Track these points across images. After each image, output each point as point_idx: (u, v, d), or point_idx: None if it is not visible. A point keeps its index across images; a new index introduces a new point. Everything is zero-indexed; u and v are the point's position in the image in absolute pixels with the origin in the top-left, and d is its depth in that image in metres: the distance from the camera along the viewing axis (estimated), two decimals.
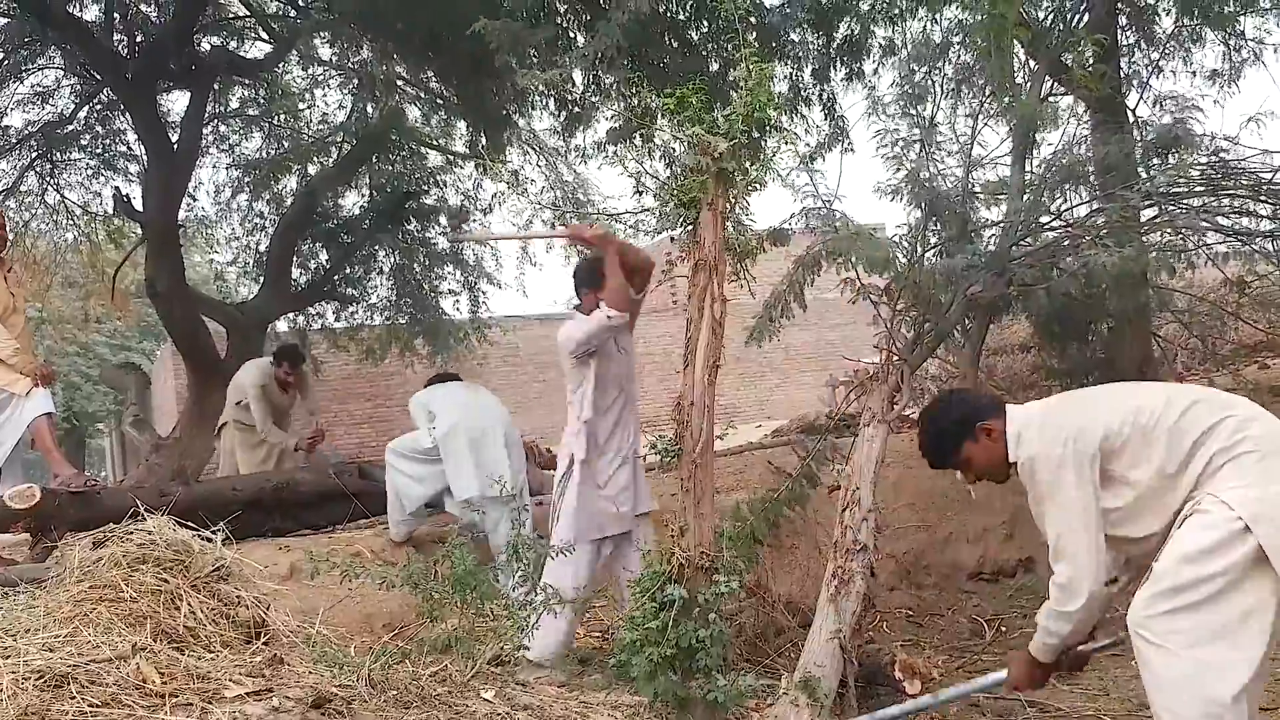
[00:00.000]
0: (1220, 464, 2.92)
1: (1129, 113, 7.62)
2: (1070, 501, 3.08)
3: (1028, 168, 6.51)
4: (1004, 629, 5.46)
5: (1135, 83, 8.04)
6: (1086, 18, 7.46)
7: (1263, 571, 2.79)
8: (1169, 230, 5.68)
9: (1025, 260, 5.53)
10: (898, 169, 6.08)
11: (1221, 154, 6.10)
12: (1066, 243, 5.58)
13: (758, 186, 4.10)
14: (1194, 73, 8.12)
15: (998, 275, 5.47)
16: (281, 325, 13.88)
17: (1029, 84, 6.76)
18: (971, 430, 3.35)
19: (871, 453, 4.64)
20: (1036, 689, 3.57)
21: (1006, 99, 5.92)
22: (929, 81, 7.19)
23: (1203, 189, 5.87)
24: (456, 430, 6.29)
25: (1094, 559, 3.08)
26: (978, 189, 6.27)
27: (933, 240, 6.06)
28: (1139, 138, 7.08)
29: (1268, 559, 2.78)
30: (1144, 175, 6.11)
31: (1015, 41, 6.29)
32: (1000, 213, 6.20)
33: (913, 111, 6.48)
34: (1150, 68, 8.17)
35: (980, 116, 6.47)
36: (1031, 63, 7.09)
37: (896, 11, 7.95)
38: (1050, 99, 7.04)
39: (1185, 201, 5.83)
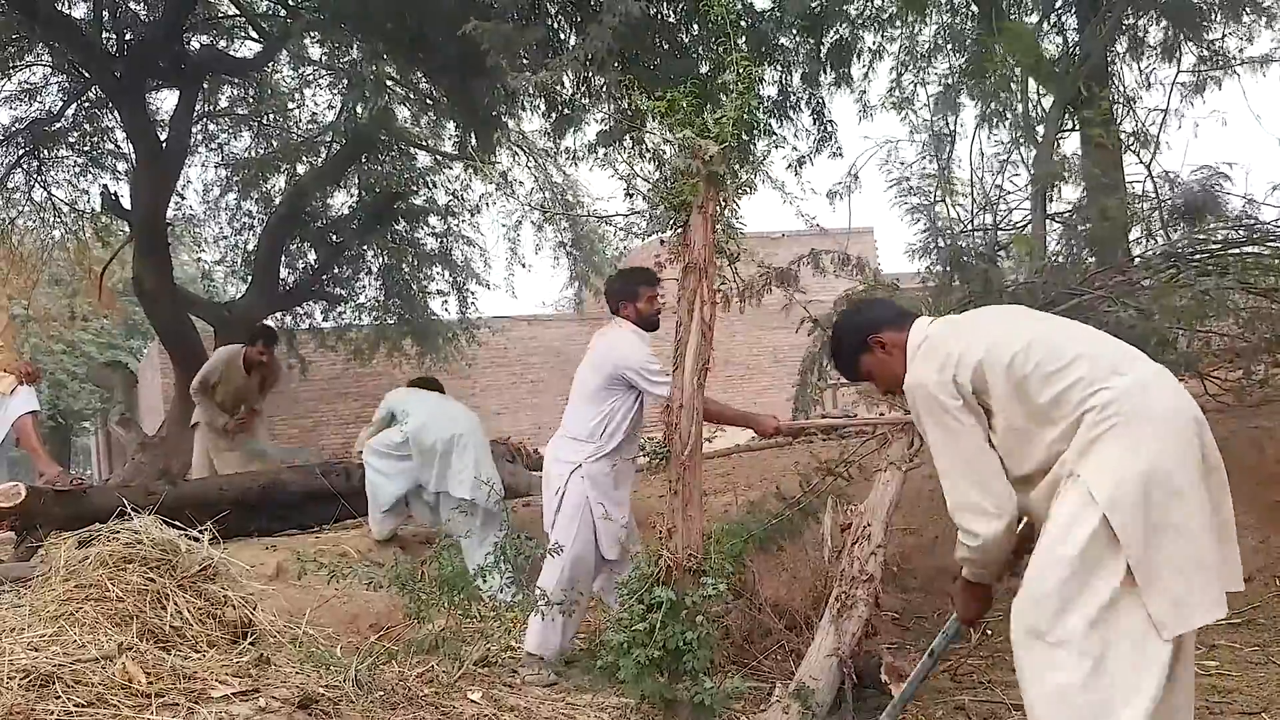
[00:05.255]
0: (1092, 434, 2.67)
1: (1138, 157, 7.65)
2: (950, 435, 2.87)
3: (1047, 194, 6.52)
4: (990, 631, 5.46)
5: (1128, 106, 8.11)
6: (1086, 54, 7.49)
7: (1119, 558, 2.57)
8: (1192, 293, 5.61)
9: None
10: (918, 220, 6.07)
11: (1245, 216, 6.15)
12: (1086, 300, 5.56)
13: (748, 190, 4.11)
14: (1181, 84, 8.18)
15: None
16: (269, 324, 13.86)
17: (1045, 123, 6.79)
18: (866, 343, 3.17)
19: (886, 496, 4.73)
20: (985, 613, 3.37)
21: (1021, 138, 5.94)
22: (947, 121, 7.21)
23: (1223, 248, 5.93)
24: (427, 429, 6.33)
25: (983, 492, 2.84)
26: (1001, 239, 6.27)
27: (956, 297, 6.04)
28: (1148, 171, 7.11)
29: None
30: (1168, 237, 6.16)
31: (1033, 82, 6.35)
32: (1022, 262, 6.21)
33: (932, 163, 6.50)
34: (1141, 82, 8.26)
35: (1000, 165, 6.48)
36: (1045, 102, 7.13)
37: (885, 17, 8.00)
38: (1063, 134, 7.07)
39: (1209, 265, 5.85)
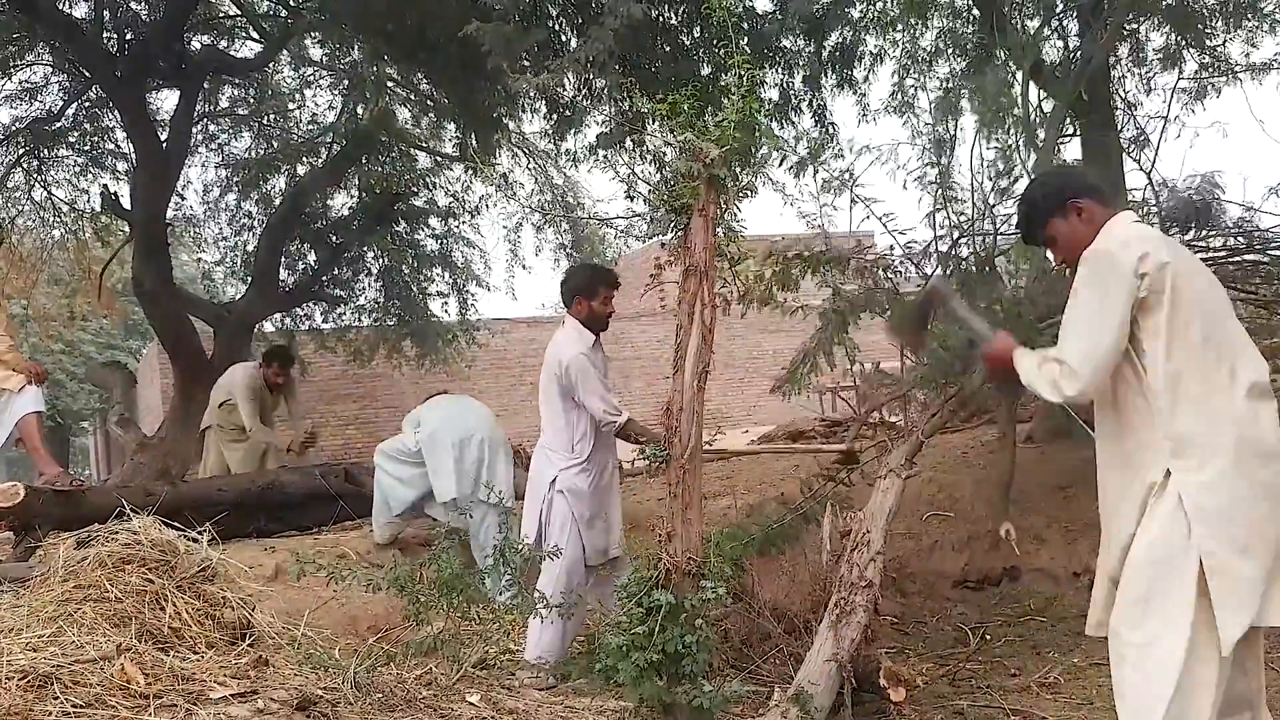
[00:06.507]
0: (1201, 439, 2.80)
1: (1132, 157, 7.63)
2: (1097, 294, 2.92)
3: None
4: (988, 637, 5.47)
5: (1128, 109, 8.11)
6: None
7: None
8: None
9: (1049, 331, 5.47)
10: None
11: (1245, 223, 6.13)
12: None
13: (749, 193, 4.11)
14: (1182, 90, 8.18)
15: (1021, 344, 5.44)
16: (268, 326, 13.86)
17: (1046, 128, 6.77)
18: (1064, 205, 3.14)
19: (885, 503, 4.76)
20: (993, 377, 3.57)
21: (1022, 142, 5.91)
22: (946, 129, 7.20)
23: (1225, 258, 5.90)
24: (439, 434, 6.31)
25: (1103, 359, 2.89)
26: (1001, 244, 6.23)
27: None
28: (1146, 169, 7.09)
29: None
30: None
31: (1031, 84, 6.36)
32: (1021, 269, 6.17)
33: (934, 163, 6.47)
34: (1141, 87, 8.26)
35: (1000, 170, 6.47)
36: (1045, 106, 7.12)
37: (888, 20, 8.00)
38: (1064, 140, 7.05)
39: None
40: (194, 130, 12.01)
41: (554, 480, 4.90)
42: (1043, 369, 3.01)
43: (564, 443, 4.95)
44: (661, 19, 7.72)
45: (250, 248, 13.54)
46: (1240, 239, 6.12)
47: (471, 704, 3.75)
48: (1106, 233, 3.04)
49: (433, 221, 13.80)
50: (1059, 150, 6.77)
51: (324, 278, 13.28)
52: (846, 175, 5.76)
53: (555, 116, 8.91)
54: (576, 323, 5.02)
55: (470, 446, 6.28)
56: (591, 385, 4.85)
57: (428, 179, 13.49)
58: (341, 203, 13.51)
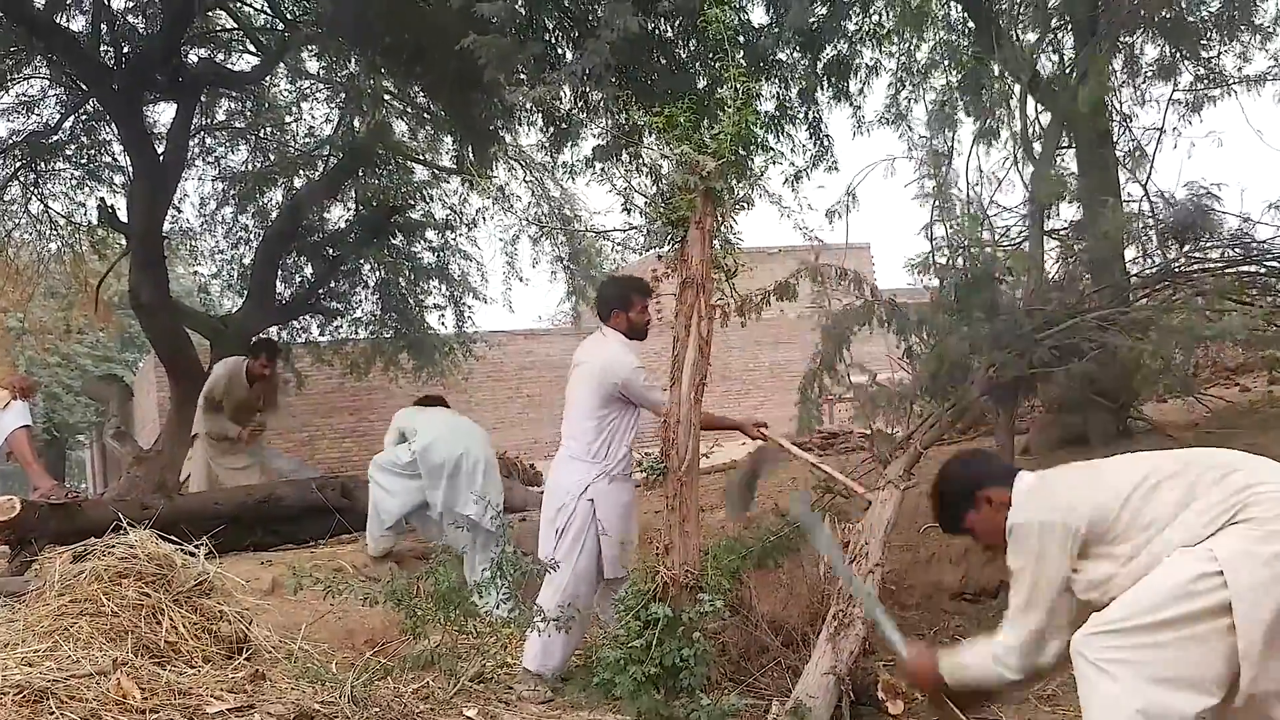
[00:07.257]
0: (1220, 525, 2.71)
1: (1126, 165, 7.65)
2: (1041, 574, 2.97)
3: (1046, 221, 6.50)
4: None
5: (1122, 121, 8.13)
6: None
7: (1226, 625, 2.62)
8: (1189, 310, 5.56)
9: (1046, 342, 5.47)
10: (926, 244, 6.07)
11: (1242, 235, 6.14)
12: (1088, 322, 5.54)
13: (745, 205, 4.12)
14: (1177, 102, 8.19)
15: (1019, 356, 5.44)
16: (270, 338, 13.84)
17: (1043, 139, 6.78)
18: (973, 499, 3.24)
19: (883, 515, 4.78)
20: (914, 688, 3.60)
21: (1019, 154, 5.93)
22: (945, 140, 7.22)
23: (1223, 268, 5.91)
24: (435, 448, 6.29)
25: (1035, 639, 3.02)
26: (1000, 259, 6.23)
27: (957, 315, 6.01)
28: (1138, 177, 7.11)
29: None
30: (1164, 256, 6.15)
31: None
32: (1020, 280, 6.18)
33: (933, 175, 6.48)
34: (1136, 99, 8.28)
35: (994, 180, 6.49)
36: (1042, 119, 7.14)
37: (884, 33, 8.02)
38: (1060, 151, 7.07)
39: (1207, 284, 5.83)
40: (191, 143, 12.00)
41: (585, 489, 4.86)
42: (988, 660, 3.16)
43: (596, 452, 4.90)
44: (657, 32, 7.72)
45: (247, 261, 13.52)
46: (1238, 250, 6.13)
47: (469, 718, 3.75)
48: (1022, 499, 3.10)
49: (429, 234, 13.79)
50: (1055, 162, 6.78)
51: (320, 290, 13.27)
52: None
53: (552, 129, 8.91)
54: (620, 335, 5.00)
55: (464, 464, 6.28)
56: (654, 394, 4.85)
57: (424, 192, 13.48)
58: (338, 216, 13.51)
